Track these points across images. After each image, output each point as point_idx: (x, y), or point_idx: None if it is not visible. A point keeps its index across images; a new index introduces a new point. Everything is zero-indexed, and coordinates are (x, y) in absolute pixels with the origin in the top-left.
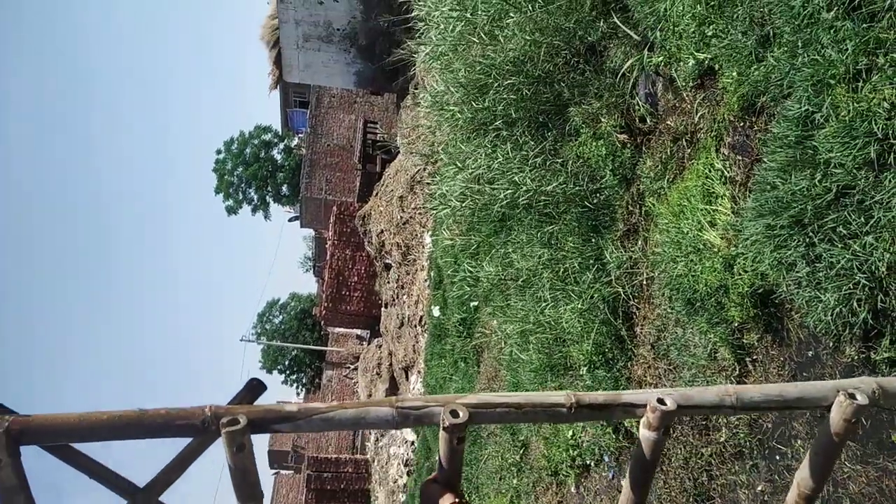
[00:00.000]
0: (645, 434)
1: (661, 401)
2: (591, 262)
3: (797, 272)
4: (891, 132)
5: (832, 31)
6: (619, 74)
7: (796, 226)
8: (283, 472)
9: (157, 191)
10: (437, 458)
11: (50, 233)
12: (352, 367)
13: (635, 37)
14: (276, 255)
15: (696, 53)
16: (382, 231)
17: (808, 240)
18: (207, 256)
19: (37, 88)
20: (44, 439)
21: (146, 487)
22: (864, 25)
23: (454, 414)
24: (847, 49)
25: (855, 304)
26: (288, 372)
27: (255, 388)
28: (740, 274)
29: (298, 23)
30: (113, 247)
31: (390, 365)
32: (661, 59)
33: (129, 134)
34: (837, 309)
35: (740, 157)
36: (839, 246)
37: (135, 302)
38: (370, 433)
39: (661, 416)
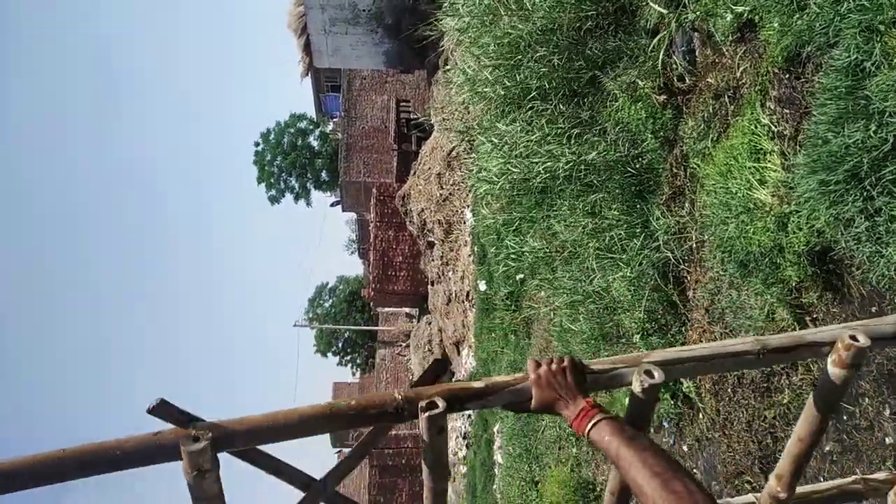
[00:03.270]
0: (835, 372)
1: (853, 337)
2: (638, 228)
3: (856, 227)
4: None
5: None
6: (653, 32)
7: (852, 180)
8: (344, 450)
9: (201, 187)
10: (494, 430)
11: (104, 233)
12: (404, 345)
13: (660, 8)
14: (321, 239)
15: (733, 7)
16: (423, 209)
17: (865, 194)
18: (254, 246)
19: (67, 91)
20: (238, 443)
21: (323, 479)
22: None
23: (650, 374)
24: None
25: None
26: (342, 353)
27: (437, 367)
28: (795, 232)
29: (324, 7)
30: (163, 250)
31: (441, 341)
32: (696, 14)
33: (166, 135)
34: None
35: (787, 111)
36: None
37: (188, 300)
38: None
39: (856, 352)
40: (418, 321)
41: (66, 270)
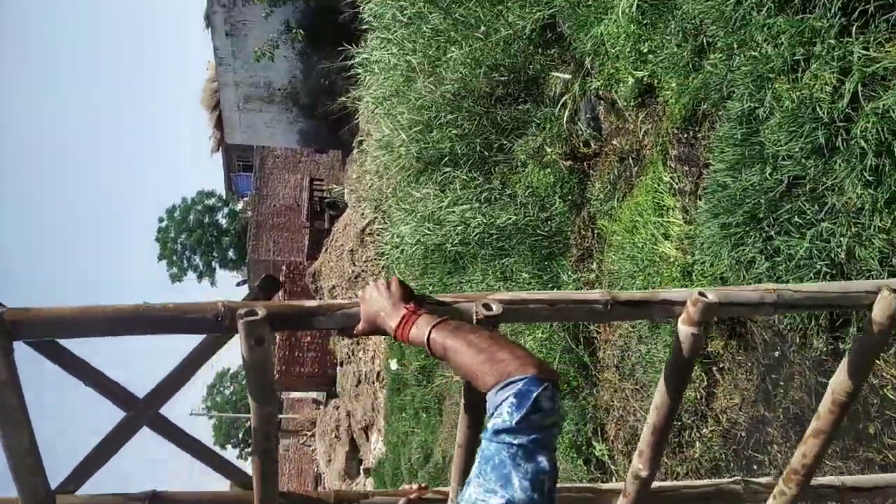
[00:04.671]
0: (684, 330)
1: (702, 294)
2: (548, 289)
3: (757, 268)
4: (836, 115)
5: (765, 28)
6: (560, 101)
7: (752, 221)
8: None
9: (99, 260)
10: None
11: None
12: (309, 434)
13: (566, 75)
14: None
15: (634, 72)
16: (334, 286)
17: (764, 234)
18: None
19: None
20: (40, 333)
21: (146, 397)
22: (798, 17)
23: (487, 307)
24: (783, 42)
25: None
26: (242, 445)
27: (267, 286)
28: (699, 280)
29: (238, 84)
30: None
31: (349, 426)
32: (600, 82)
33: (66, 207)
34: None
35: (687, 168)
36: (796, 237)
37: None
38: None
39: (703, 308)
40: (325, 406)
41: None
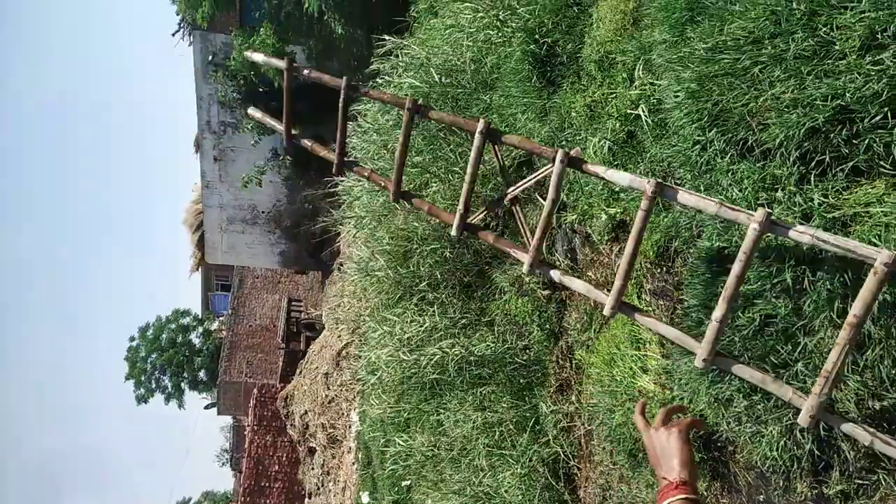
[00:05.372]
0: None
1: None
2: (528, 421)
3: (735, 407)
4: (802, 256)
5: (730, 173)
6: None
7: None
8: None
9: (58, 380)
10: None
11: None
12: None
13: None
14: (189, 447)
15: (606, 209)
16: (306, 412)
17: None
18: (110, 449)
19: None
20: None
21: None
22: (759, 164)
23: None
24: (747, 187)
25: (798, 434)
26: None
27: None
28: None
29: (223, 207)
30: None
31: None
32: (574, 216)
33: (34, 320)
34: (782, 441)
35: (662, 302)
36: (772, 375)
37: None
38: None
39: None
40: None
41: None
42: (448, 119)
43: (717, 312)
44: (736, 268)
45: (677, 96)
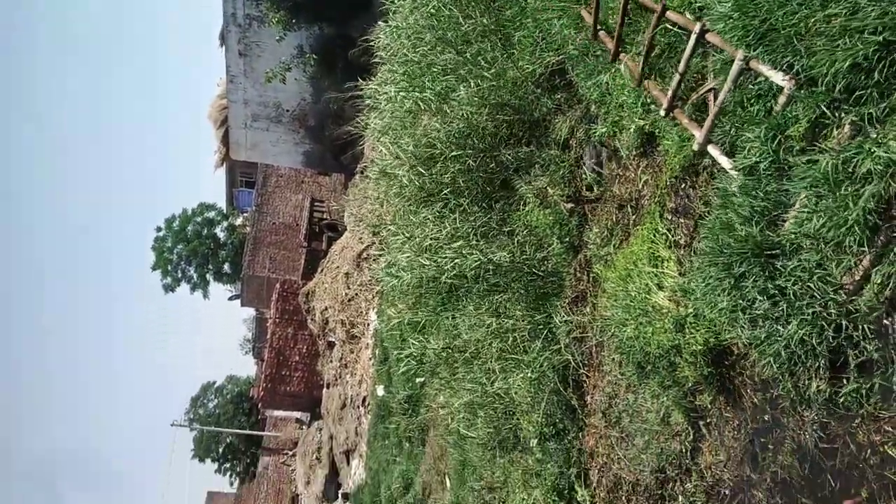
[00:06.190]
0: None
1: None
2: (541, 330)
3: (756, 309)
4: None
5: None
6: (565, 144)
7: (756, 258)
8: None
9: (89, 267)
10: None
11: None
12: (290, 453)
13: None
14: (214, 334)
15: (637, 120)
16: (327, 308)
17: (767, 273)
18: (138, 334)
19: None
20: None
21: None
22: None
23: None
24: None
25: (823, 323)
26: (222, 460)
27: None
28: (692, 333)
29: (247, 103)
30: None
31: (331, 449)
32: (604, 129)
33: (65, 213)
34: (800, 335)
35: (683, 220)
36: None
37: (53, 373)
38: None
39: None
40: (309, 427)
41: None
42: None
43: None
44: None
45: (724, 4)
